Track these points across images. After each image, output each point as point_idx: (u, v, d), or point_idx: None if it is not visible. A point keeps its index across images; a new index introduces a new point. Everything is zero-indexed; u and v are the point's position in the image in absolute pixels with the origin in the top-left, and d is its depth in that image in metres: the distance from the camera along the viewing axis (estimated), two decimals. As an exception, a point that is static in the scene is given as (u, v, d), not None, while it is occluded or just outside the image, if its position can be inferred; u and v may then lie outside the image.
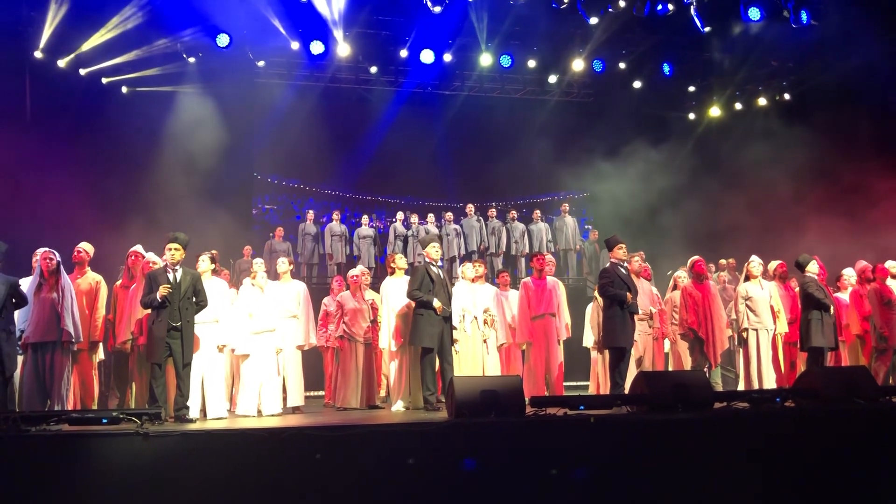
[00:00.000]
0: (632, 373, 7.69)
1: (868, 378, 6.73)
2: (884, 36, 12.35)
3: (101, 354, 7.90)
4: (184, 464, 5.10)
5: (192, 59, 13.08)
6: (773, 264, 9.60)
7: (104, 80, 12.84)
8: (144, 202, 11.84)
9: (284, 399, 8.13)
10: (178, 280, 6.72)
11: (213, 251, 7.94)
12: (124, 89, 13.17)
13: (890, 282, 9.42)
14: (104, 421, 5.41)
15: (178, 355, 6.62)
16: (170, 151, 12.53)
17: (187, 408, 6.66)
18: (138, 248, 7.96)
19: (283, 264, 8.61)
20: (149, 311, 6.81)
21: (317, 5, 12.54)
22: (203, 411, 7.27)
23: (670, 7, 12.68)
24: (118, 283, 7.95)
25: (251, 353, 7.70)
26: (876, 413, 6.15)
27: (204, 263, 7.64)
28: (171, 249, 6.79)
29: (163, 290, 6.58)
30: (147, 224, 10.86)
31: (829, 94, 13.44)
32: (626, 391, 6.99)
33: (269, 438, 5.44)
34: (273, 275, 8.79)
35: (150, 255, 7.81)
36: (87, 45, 12.04)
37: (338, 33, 12.99)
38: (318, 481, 5.16)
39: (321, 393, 9.83)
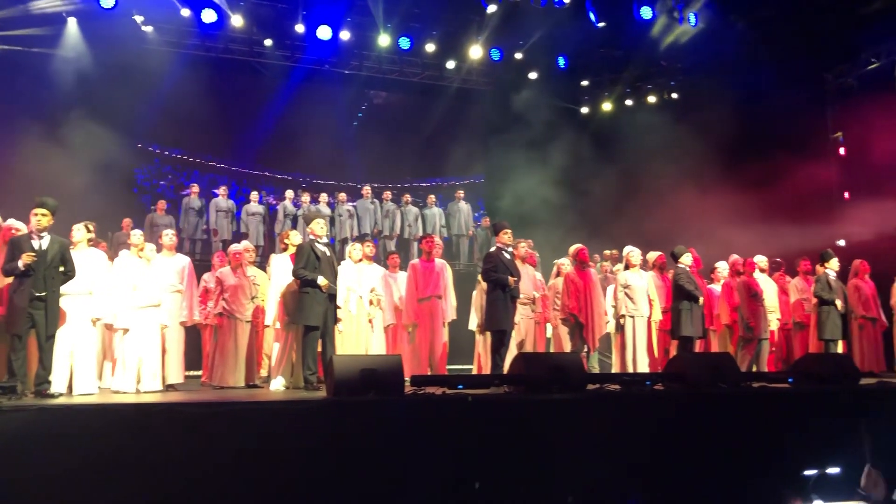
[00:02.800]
0: (513, 355, 7.80)
1: (731, 364, 7.09)
2: (762, 44, 13.01)
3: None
4: (41, 440, 4.80)
5: (72, 20, 12.36)
6: (653, 255, 9.96)
7: (-30, 38, 12.00)
8: (11, 168, 11.12)
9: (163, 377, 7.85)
10: (43, 248, 6.35)
11: (89, 222, 7.53)
12: (-6, 49, 12.34)
13: (758, 275, 9.97)
14: (-48, 394, 5.06)
15: (41, 327, 6.27)
16: (43, 115, 11.82)
17: (49, 382, 6.33)
18: None
19: (169, 237, 8.28)
20: (10, 279, 6.40)
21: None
22: (70, 387, 6.92)
23: (566, 0, 12.94)
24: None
25: (132, 328, 7.37)
26: (737, 396, 6.50)
27: (79, 233, 7.26)
28: (37, 215, 6.41)
29: (26, 258, 6.20)
30: (12, 190, 10.21)
31: (713, 94, 14.02)
32: (506, 372, 7.09)
33: (136, 415, 5.22)
34: (157, 248, 8.43)
35: (13, 221, 7.33)
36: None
37: (230, 3, 12.59)
38: (188, 460, 4.97)
39: (199, 373, 9.53)
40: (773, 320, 10.04)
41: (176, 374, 7.97)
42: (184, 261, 8.37)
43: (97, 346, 7.60)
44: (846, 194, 13.33)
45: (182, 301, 8.14)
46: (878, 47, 12.40)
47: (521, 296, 8.38)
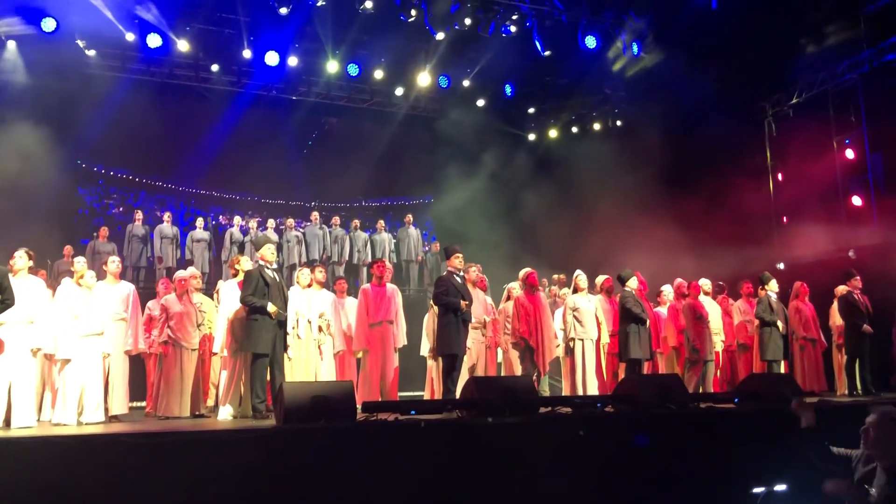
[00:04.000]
0: (465, 380, 7.79)
1: (680, 385, 7.19)
2: (702, 73, 13.40)
3: None
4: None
5: (11, 43, 12.10)
6: (601, 278, 10.08)
7: None
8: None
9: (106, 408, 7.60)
10: (-22, 276, 6.14)
11: (29, 250, 7.31)
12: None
13: (703, 298, 10.16)
14: None
15: (-24, 357, 6.03)
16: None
17: (-14, 415, 6.08)
18: None
19: (116, 264, 8.05)
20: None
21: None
22: (7, 420, 6.66)
23: (513, 29, 13.18)
24: None
25: (74, 358, 7.13)
26: (686, 417, 6.59)
27: (21, 260, 7.02)
28: (-28, 242, 6.20)
29: (-40, 287, 5.99)
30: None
31: (656, 122, 14.37)
32: (458, 397, 7.07)
33: (79, 446, 5.05)
34: (100, 275, 8.22)
35: None
36: None
37: (175, 28, 12.49)
38: (134, 492, 4.82)
39: (143, 404, 9.27)
40: (718, 342, 10.24)
41: (120, 405, 7.74)
42: (128, 288, 8.16)
43: (37, 377, 7.35)
44: (784, 219, 13.74)
45: (127, 329, 7.91)
46: (813, 77, 12.87)
47: (473, 320, 8.38)
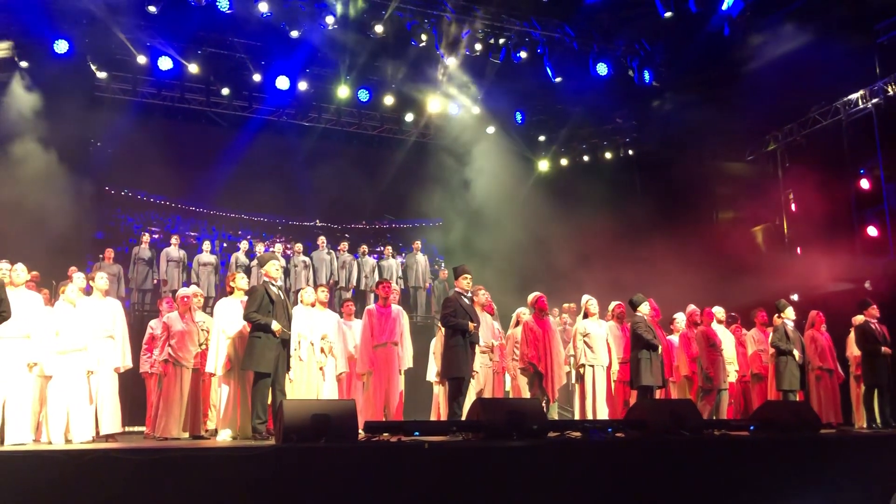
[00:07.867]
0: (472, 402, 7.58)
1: (693, 410, 6.96)
2: (715, 101, 13.32)
3: None
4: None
5: (24, 64, 12.15)
6: (612, 304, 9.88)
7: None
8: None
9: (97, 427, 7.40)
10: (-26, 287, 6.01)
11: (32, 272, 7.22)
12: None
13: (716, 326, 9.94)
14: None
15: (-31, 370, 5.88)
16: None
17: (-23, 431, 5.91)
18: None
19: (102, 280, 7.83)
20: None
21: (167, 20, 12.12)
22: (1, 437, 6.48)
23: (524, 55, 13.15)
24: None
25: (56, 375, 6.94)
26: (699, 443, 6.36)
27: (20, 273, 6.90)
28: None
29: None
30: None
31: (668, 151, 14.27)
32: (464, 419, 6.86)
33: (70, 462, 4.86)
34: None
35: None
36: None
37: (186, 52, 12.57)
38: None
39: (144, 428, 9.01)
40: (732, 372, 9.98)
41: (112, 424, 7.43)
42: (115, 304, 7.92)
43: (34, 393, 7.17)
44: (798, 249, 13.53)
45: (115, 346, 7.69)
46: (827, 107, 12.75)
47: (482, 343, 8.19)
